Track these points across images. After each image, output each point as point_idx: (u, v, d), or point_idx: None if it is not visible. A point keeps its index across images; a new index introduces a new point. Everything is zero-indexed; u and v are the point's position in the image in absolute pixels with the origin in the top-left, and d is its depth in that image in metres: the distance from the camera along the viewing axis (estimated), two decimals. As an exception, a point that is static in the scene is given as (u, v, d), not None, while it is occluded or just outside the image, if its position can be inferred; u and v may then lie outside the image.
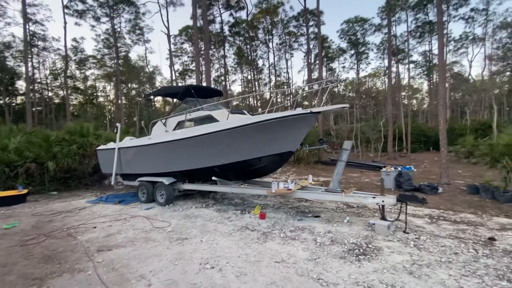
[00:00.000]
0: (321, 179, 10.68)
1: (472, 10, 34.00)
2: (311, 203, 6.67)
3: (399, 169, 9.48)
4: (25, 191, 8.10)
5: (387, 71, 43.33)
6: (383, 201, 4.52)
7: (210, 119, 6.10)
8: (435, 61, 40.44)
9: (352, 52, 42.67)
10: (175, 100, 9.11)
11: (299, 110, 5.07)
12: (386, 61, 42.89)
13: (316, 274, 3.11)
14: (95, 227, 5.13)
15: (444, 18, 34.79)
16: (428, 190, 8.32)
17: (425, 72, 41.89)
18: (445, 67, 10.33)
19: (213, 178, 6.39)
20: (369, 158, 19.87)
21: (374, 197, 4.59)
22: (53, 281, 3.13)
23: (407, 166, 10.02)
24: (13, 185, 8.57)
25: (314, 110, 4.94)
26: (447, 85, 41.91)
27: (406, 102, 36.07)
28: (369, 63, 45.18)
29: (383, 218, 4.57)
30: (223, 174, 6.44)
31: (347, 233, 4.44)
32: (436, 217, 5.44)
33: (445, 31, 36.18)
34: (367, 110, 44.57)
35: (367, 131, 22.34)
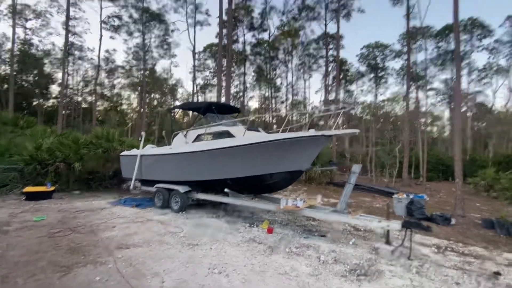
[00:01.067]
0: (332, 201, 10.72)
1: (496, 41, 33.64)
2: (318, 223, 6.79)
3: (411, 196, 9.39)
4: (52, 188, 8.78)
5: (404, 97, 43.14)
6: (388, 226, 4.65)
7: (227, 134, 6.53)
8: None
9: (371, 76, 42.89)
10: (194, 113, 9.70)
11: (311, 132, 5.38)
12: (405, 87, 42.78)
13: (316, 288, 3.29)
14: (114, 227, 5.54)
15: (467, 48, 34.67)
16: (440, 220, 8.18)
17: (447, 100, 41.23)
18: (461, 99, 10.40)
19: (226, 190, 6.72)
20: (383, 184, 19.52)
21: (379, 221, 4.73)
22: (79, 269, 3.51)
23: (420, 195, 9.90)
24: (42, 182, 9.29)
25: (326, 133, 5.24)
26: (469, 114, 40.94)
27: (425, 129, 35.35)
28: (388, 87, 45.08)
29: (387, 242, 4.68)
30: (236, 186, 6.76)
31: (351, 254, 4.57)
32: (443, 248, 5.43)
33: (467, 61, 35.94)
34: (384, 134, 44.03)
35: (383, 156, 22.08)
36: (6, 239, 4.58)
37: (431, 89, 39.04)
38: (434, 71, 38.06)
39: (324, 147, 5.80)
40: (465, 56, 36.01)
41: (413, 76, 33.25)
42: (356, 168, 5.30)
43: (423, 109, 34.41)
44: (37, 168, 9.30)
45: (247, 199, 6.61)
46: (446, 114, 46.39)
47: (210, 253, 4.32)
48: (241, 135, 6.17)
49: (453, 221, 8.30)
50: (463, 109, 44.04)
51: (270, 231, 5.59)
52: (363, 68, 42.05)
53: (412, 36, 27.68)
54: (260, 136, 5.93)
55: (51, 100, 38.54)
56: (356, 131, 5.13)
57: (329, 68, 32.44)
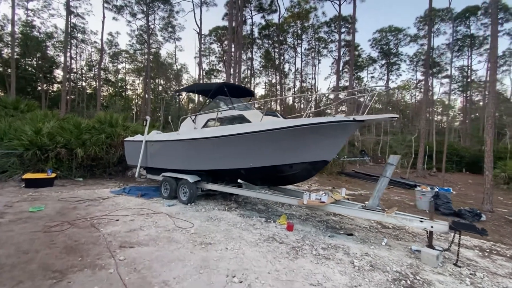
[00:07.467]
0: (348, 192, 10.09)
1: (519, 25, 31.55)
2: (340, 218, 6.18)
3: (436, 189, 8.70)
4: (53, 175, 8.29)
5: (418, 84, 41.55)
6: (432, 227, 3.98)
7: (241, 119, 5.84)
8: (473, 77, 38.06)
9: (383, 62, 41.17)
10: (200, 97, 8.97)
11: (339, 117, 4.66)
12: (418, 74, 41.14)
13: (360, 306, 2.69)
14: (117, 220, 5.00)
15: (487, 33, 32.67)
16: (469, 216, 7.52)
17: (461, 88, 39.56)
18: (495, 82, 9.48)
19: (239, 181, 6.11)
20: (396, 174, 18.80)
21: (421, 221, 4.07)
22: (73, 275, 2.95)
23: (445, 188, 9.19)
24: (42, 168, 8.81)
25: (358, 118, 4.51)
26: (482, 103, 39.25)
27: (438, 118, 34.05)
28: (400, 74, 43.27)
29: (430, 246, 4.03)
30: (249, 177, 6.14)
31: (388, 259, 3.95)
32: (488, 250, 4.79)
33: (486, 46, 33.96)
34: (393, 123, 42.77)
35: (396, 146, 21.23)
36: (-4, 234, 4.07)
37: (446, 76, 37.37)
38: (449, 57, 36.32)
39: (351, 135, 5.06)
40: (484, 42, 34.07)
41: (430, 63, 31.69)
42: (393, 159, 4.59)
43: (435, 97, 33.02)
44: (37, 153, 8.79)
45: (263, 191, 5.98)
46: (458, 103, 44.89)
47: (226, 254, 3.74)
48: (258, 120, 5.47)
49: (483, 217, 7.65)
50: (477, 97, 42.43)
51: (290, 228, 4.99)
52: (374, 54, 40.35)
53: (432, 18, 25.95)
54: (279, 122, 5.23)
55: (56, 85, 38.03)
56: (395, 115, 4.39)
57: (340, 53, 31.03)
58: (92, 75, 41.47)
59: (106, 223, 4.83)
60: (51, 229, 4.36)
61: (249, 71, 38.32)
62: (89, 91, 41.45)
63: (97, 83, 34.28)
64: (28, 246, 3.68)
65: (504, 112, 33.95)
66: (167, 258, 3.50)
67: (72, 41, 33.65)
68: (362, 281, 3.22)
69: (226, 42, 36.01)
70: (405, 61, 40.10)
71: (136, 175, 8.19)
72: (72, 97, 37.15)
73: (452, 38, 29.22)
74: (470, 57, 35.06)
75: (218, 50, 40.15)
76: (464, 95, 40.35)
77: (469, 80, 35.92)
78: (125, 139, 9.14)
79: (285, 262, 3.60)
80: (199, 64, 31.63)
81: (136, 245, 3.90)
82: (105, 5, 27.68)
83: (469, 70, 36.68)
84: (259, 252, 3.88)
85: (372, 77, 44.70)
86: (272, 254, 3.85)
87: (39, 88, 34.37)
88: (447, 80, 39.29)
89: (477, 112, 38.72)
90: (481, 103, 40.64)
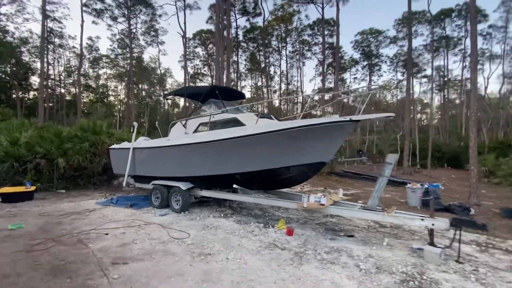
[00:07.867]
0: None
1: (490, 27, 33.46)
2: (338, 219, 6.13)
3: (426, 186, 8.87)
4: (33, 188, 7.75)
5: (399, 84, 42.97)
6: (433, 225, 3.98)
7: (235, 123, 5.68)
8: (449, 76, 39.84)
9: (365, 63, 42.27)
10: (187, 101, 8.73)
11: (336, 117, 4.62)
12: (399, 74, 42.55)
13: (374, 313, 2.59)
14: (107, 234, 4.68)
15: (461, 34, 34.37)
16: (459, 211, 7.70)
17: (438, 87, 41.25)
18: (476, 80, 9.89)
19: (234, 186, 5.94)
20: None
21: (422, 219, 4.06)
22: (63, 300, 2.68)
23: (434, 184, 9.40)
24: (20, 181, 8.23)
25: (354, 118, 4.48)
26: (458, 101, 41.19)
27: (418, 116, 35.36)
28: (381, 75, 44.55)
29: (432, 243, 4.02)
30: (245, 182, 5.98)
31: (391, 259, 3.90)
32: (484, 244, 4.87)
33: (461, 47, 35.73)
34: (377, 122, 43.92)
35: (381, 144, 21.73)
36: (-29, 257, 3.67)
37: (425, 76, 38.91)
38: (427, 58, 37.83)
39: (349, 135, 5.04)
40: (458, 42, 35.83)
41: (410, 64, 32.85)
42: (391, 158, 4.60)
43: (415, 96, 34.24)
44: (14, 165, 8.20)
45: (261, 196, 5.84)
46: (436, 101, 46.79)
47: (227, 265, 3.55)
48: (253, 123, 5.33)
49: (472, 211, 7.87)
50: (453, 95, 44.46)
51: (290, 232, 4.86)
52: (357, 56, 41.36)
53: (411, 20, 26.95)
54: (275, 124, 5.13)
55: (32, 93, 36.16)
56: (391, 114, 4.40)
57: (325, 55, 31.54)
58: (71, 81, 39.86)
59: (95, 238, 4.51)
60: (34, 248, 4.00)
61: (235, 74, 38.15)
62: (68, 98, 39.77)
63: (77, 90, 32.98)
64: (8, 268, 3.33)
65: (479, 109, 35.68)
66: (165, 273, 3.28)
67: (49, 46, 32.25)
68: (371, 285, 3.14)
69: (211, 46, 35.80)
70: (385, 62, 41.37)
71: (124, 184, 7.81)
72: (50, 104, 35.50)
73: (431, 39, 30.48)
74: (446, 57, 36.66)
75: (203, 53, 39.81)
76: (442, 93, 42.13)
77: (445, 79, 37.51)
78: (111, 147, 8.72)
79: (291, 270, 3.46)
80: (184, 68, 31.15)
81: (130, 260, 3.63)
82: (84, 8, 26.76)
83: (446, 70, 38.33)
84: (262, 261, 3.72)
85: (355, 78, 45.78)
86: (276, 261, 3.71)
87: (14, 96, 32.59)
88: (425, 79, 41.05)
89: (454, 110, 40.53)
90: (457, 101, 42.73)
